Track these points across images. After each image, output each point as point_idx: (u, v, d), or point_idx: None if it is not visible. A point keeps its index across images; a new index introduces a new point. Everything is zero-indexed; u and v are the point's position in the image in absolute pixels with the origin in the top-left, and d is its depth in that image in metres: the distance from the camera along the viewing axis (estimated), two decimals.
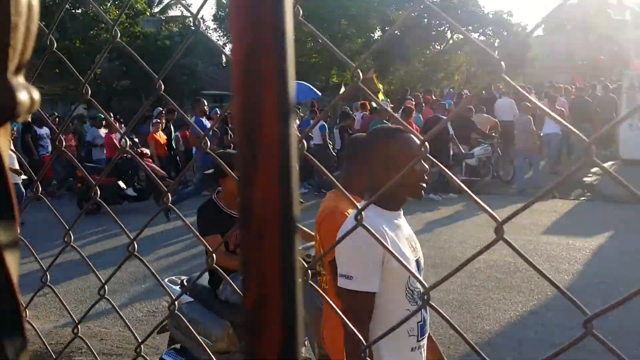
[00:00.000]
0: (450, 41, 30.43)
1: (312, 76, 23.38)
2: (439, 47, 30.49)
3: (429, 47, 29.76)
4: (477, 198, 0.80)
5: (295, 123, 0.40)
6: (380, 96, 16.22)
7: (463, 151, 10.98)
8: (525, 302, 5.43)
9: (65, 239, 1.19)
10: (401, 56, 26.98)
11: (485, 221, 8.01)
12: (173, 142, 12.65)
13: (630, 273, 5.89)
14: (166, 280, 3.92)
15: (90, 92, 1.17)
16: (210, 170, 3.68)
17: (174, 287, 3.84)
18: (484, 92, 14.32)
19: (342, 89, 21.06)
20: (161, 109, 12.62)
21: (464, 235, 7.86)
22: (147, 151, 11.15)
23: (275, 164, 0.38)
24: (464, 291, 5.72)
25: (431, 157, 0.83)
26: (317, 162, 0.90)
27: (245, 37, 0.38)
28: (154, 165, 10.71)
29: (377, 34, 28.05)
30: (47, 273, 1.32)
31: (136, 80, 20.32)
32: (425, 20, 28.13)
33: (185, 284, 3.78)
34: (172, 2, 28.08)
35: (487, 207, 0.77)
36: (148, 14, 24.05)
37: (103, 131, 12.31)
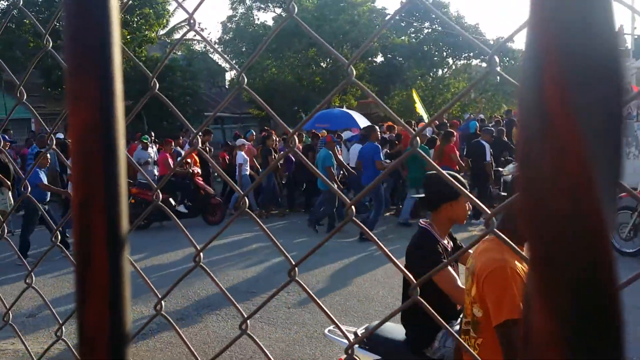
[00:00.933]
0: (453, 67, 30.70)
1: (313, 99, 23.52)
2: (440, 73, 30.73)
3: (429, 73, 29.99)
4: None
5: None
6: (423, 113, 16.36)
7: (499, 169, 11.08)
8: None
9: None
10: (401, 80, 27.18)
11: None
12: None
13: None
14: (326, 331, 3.50)
15: None
16: (420, 195, 3.12)
17: (337, 338, 3.37)
18: (503, 116, 14.60)
19: None
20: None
21: None
22: (198, 170, 11.43)
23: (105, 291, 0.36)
24: None
25: (424, 155, 0.82)
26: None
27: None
28: (204, 184, 11.09)
29: (379, 58, 28.30)
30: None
31: (138, 100, 20.44)
32: (426, 47, 28.42)
33: (359, 333, 3.05)
34: (178, 25, 28.34)
35: (401, 267, 0.77)
36: (155, 41, 24.28)
37: (150, 151, 12.53)
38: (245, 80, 0.93)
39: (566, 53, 0.27)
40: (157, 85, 1.05)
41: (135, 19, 23.35)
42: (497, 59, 0.73)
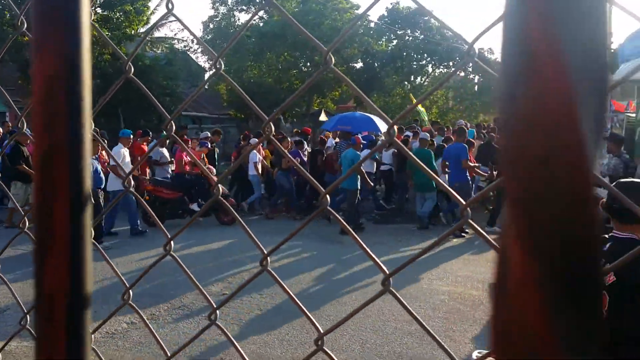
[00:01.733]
0: (432, 75, 30.94)
1: (294, 102, 23.50)
2: (418, 80, 30.94)
3: (408, 80, 30.18)
4: (376, 258, 0.79)
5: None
6: (424, 116, 16.59)
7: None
8: (486, 335, 5.43)
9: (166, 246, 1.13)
10: (380, 87, 27.32)
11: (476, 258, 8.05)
12: (216, 160, 13.53)
13: None
14: (474, 356, 3.31)
15: None
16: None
17: None
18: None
19: (322, 116, 21.18)
20: (208, 132, 13.72)
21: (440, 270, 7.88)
22: (213, 169, 11.67)
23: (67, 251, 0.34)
24: (427, 322, 5.72)
25: (400, 144, 0.82)
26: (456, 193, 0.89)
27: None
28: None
29: (359, 64, 28.40)
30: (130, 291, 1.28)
31: (115, 99, 20.30)
32: (405, 53, 28.60)
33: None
34: (159, 23, 28.09)
35: (378, 260, 0.77)
36: (135, 38, 24.03)
37: (165, 150, 12.27)
38: (223, 65, 0.92)
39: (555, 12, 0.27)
40: (132, 68, 1.04)
41: (116, 16, 23.11)
42: (475, 50, 0.73)
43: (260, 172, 11.98)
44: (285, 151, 0.98)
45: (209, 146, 12.37)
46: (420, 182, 10.28)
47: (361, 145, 11.10)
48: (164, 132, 1.01)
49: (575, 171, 0.27)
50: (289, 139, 12.70)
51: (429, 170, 0.89)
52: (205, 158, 11.78)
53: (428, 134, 11.48)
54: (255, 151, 11.81)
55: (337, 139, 13.94)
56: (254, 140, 12.54)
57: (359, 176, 10.36)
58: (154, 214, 1.08)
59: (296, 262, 8.05)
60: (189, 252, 8.49)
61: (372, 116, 15.41)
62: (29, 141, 9.98)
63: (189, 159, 11.27)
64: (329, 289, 6.75)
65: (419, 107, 16.47)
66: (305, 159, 12.23)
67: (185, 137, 12.88)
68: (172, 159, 11.85)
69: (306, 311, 0.87)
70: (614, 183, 2.89)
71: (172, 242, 1.02)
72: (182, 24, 1.01)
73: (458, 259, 8.18)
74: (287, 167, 11.63)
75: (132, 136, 11.19)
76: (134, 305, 1.10)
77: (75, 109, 0.32)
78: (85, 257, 0.34)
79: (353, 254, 8.05)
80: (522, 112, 0.27)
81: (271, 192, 12.48)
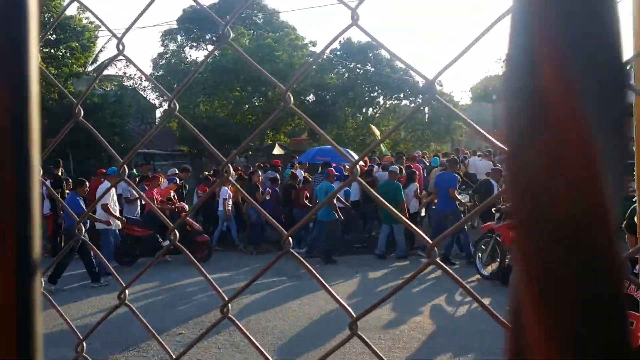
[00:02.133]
0: (383, 107, 31.47)
1: (246, 136, 23.46)
2: (371, 112, 31.42)
3: (360, 112, 30.61)
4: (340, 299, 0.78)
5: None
6: (383, 148, 16.94)
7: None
8: None
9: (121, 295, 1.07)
10: (333, 119, 27.59)
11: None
12: (193, 197, 13.52)
13: None
14: None
15: None
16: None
17: None
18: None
19: (276, 149, 21.20)
20: (176, 169, 13.77)
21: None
22: (185, 206, 11.46)
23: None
24: (388, 353, 5.71)
25: (363, 182, 0.80)
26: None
27: None
28: (191, 220, 10.96)
29: (311, 97, 28.68)
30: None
31: (64, 140, 19.90)
32: (357, 86, 29.05)
33: None
34: (107, 62, 27.80)
35: (343, 303, 0.76)
36: (82, 76, 23.68)
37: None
38: (177, 106, 0.89)
39: (563, 29, 0.24)
40: (82, 111, 1.00)
41: (61, 53, 22.78)
42: (437, 87, 0.73)
43: (229, 209, 11.88)
44: (245, 192, 0.95)
45: (178, 182, 12.27)
46: (387, 213, 10.39)
47: (334, 177, 11.29)
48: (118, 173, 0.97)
49: (600, 240, 0.25)
50: (259, 173, 12.61)
51: (389, 206, 0.87)
52: (174, 195, 11.63)
53: (397, 167, 11.68)
54: (225, 187, 11.75)
55: (305, 172, 13.91)
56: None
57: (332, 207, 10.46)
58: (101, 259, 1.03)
59: (264, 297, 7.92)
60: (155, 290, 8.26)
61: (350, 150, 15.71)
62: None
63: (160, 197, 11.17)
64: (295, 324, 6.65)
65: (377, 136, 16.83)
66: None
67: (155, 174, 12.69)
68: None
69: (265, 353, 0.83)
70: None
71: (126, 291, 0.98)
72: (134, 65, 0.98)
73: (417, 289, 8.21)
74: (260, 200, 11.64)
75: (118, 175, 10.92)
76: (88, 357, 1.04)
77: (23, 161, 0.29)
78: (35, 333, 0.30)
79: (319, 290, 7.98)
80: (535, 172, 0.25)
81: (243, 227, 12.40)
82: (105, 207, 9.44)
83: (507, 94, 0.27)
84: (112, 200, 9.70)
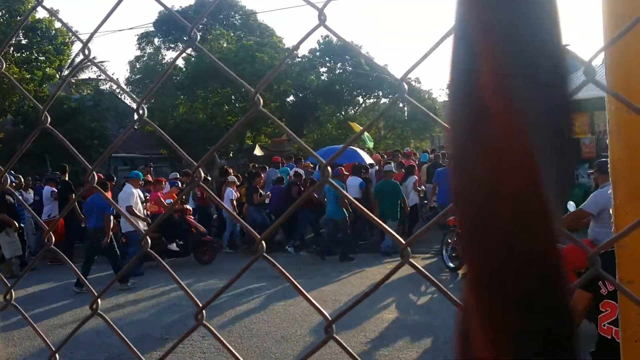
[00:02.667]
0: (363, 105, 31.54)
1: (230, 138, 23.33)
2: (351, 112, 31.46)
3: (340, 111, 30.65)
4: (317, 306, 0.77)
5: None
6: (370, 144, 17.01)
7: None
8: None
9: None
10: (314, 119, 27.60)
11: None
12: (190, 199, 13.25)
13: None
14: None
15: None
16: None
17: None
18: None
19: (257, 150, 21.13)
20: (177, 173, 13.94)
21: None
22: (190, 208, 11.43)
23: None
24: (374, 351, 5.73)
25: (334, 184, 0.80)
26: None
27: None
28: (195, 222, 10.94)
29: (291, 98, 28.65)
30: None
31: (41, 143, 19.73)
32: (337, 87, 29.09)
33: None
34: (85, 64, 27.56)
35: (318, 306, 0.76)
36: (56, 78, 23.42)
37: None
38: (146, 112, 0.88)
39: (505, 37, 0.24)
40: (49, 118, 0.98)
41: (34, 56, 22.52)
42: (405, 86, 0.72)
43: (235, 209, 11.90)
44: (216, 197, 0.94)
45: (180, 186, 12.21)
46: (383, 212, 10.45)
47: (346, 176, 11.28)
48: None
49: (541, 245, 0.25)
50: (262, 176, 12.57)
51: (364, 208, 0.87)
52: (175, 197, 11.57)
53: (392, 166, 11.78)
54: (231, 189, 11.86)
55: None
56: (232, 178, 12.39)
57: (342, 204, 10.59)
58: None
59: (249, 299, 7.88)
60: (143, 296, 8.19)
61: (356, 148, 15.80)
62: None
63: (163, 200, 11.08)
64: (280, 325, 6.64)
65: (365, 134, 16.85)
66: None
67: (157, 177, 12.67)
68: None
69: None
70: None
71: (98, 300, 0.96)
72: (102, 70, 0.97)
73: (400, 287, 8.23)
74: (257, 202, 11.77)
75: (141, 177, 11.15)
76: None
77: None
78: None
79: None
80: (478, 180, 0.25)
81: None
82: (130, 210, 9.39)
83: (450, 99, 0.27)
84: (137, 203, 9.73)
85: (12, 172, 11.49)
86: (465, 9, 0.26)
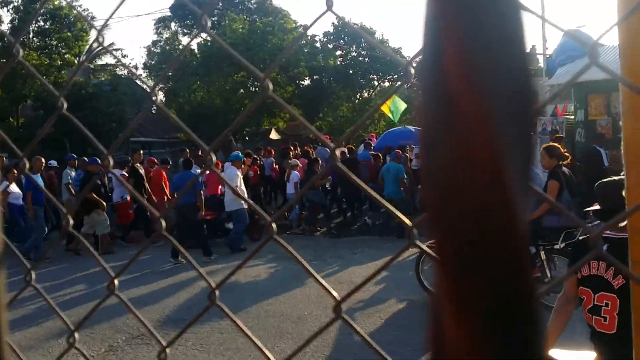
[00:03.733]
0: (378, 88, 31.34)
1: (243, 122, 23.39)
2: (366, 95, 31.30)
3: (355, 94, 30.50)
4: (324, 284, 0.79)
5: None
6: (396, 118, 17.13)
7: None
8: None
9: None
10: (329, 102, 27.50)
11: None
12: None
13: None
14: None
15: None
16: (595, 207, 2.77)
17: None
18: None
19: (273, 134, 21.15)
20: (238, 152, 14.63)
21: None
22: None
23: None
24: (388, 332, 5.77)
25: (344, 168, 0.81)
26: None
27: None
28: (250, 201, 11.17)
29: (307, 81, 28.55)
30: None
31: (60, 129, 19.95)
32: (352, 70, 28.93)
33: None
34: (102, 51, 27.72)
35: (328, 286, 0.77)
36: (76, 64, 23.56)
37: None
38: (159, 98, 0.89)
39: (467, 27, 0.25)
40: (65, 104, 1.00)
41: (54, 43, 22.67)
42: (412, 70, 0.73)
43: (297, 191, 12.33)
44: (227, 181, 0.96)
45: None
46: (387, 194, 10.85)
47: (402, 157, 11.84)
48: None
49: (506, 228, 0.26)
50: (320, 161, 12.51)
51: (362, 183, 0.88)
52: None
53: (399, 150, 12.07)
54: (296, 171, 12.20)
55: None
56: (294, 161, 12.74)
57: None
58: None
59: (265, 281, 7.96)
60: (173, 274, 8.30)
61: (411, 127, 16.19)
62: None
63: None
64: (296, 306, 6.70)
65: (394, 108, 16.81)
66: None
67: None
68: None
69: (258, 342, 0.84)
70: (598, 184, 2.90)
71: (115, 281, 0.99)
72: (115, 57, 0.98)
73: (412, 267, 8.24)
74: (319, 185, 12.31)
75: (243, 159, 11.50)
76: (80, 349, 1.05)
77: None
78: None
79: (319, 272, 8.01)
80: (444, 163, 0.26)
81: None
82: (234, 190, 9.73)
83: (419, 94, 0.28)
84: (241, 183, 10.32)
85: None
86: (433, 6, 0.27)
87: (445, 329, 0.28)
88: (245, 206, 10.11)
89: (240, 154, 11.33)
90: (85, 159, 12.43)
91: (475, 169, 0.26)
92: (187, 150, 12.99)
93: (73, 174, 12.32)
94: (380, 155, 13.09)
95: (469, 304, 0.27)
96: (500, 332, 0.27)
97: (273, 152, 15.20)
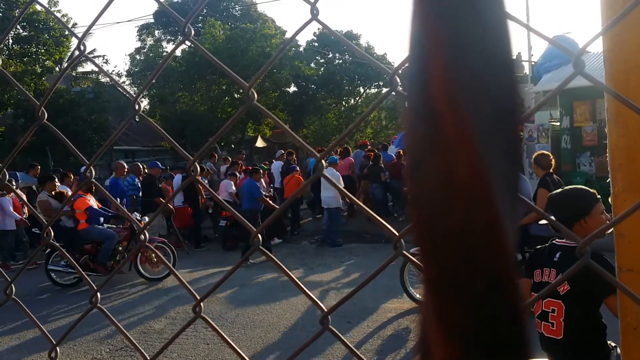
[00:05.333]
0: (364, 96, 31.45)
1: (228, 129, 23.31)
2: (352, 102, 31.39)
3: (341, 102, 30.58)
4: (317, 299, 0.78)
5: None
6: None
7: None
8: None
9: None
10: (315, 109, 27.54)
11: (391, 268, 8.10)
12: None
13: None
14: None
15: None
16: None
17: None
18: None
19: (259, 142, 21.14)
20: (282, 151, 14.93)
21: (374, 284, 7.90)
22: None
23: None
24: (377, 340, 5.76)
25: (328, 177, 0.80)
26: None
27: None
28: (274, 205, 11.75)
29: (292, 88, 28.57)
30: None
31: (42, 136, 19.79)
32: (338, 77, 29.00)
33: None
34: (83, 59, 27.56)
35: (315, 299, 0.76)
36: (56, 70, 23.39)
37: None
38: (141, 107, 0.88)
39: (453, 49, 0.25)
40: (46, 114, 0.98)
41: (33, 49, 22.50)
42: (397, 79, 0.73)
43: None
44: (212, 191, 0.95)
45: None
46: None
47: None
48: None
49: (491, 248, 0.26)
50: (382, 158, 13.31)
51: (346, 192, 0.87)
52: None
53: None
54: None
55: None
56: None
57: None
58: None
59: (251, 291, 7.92)
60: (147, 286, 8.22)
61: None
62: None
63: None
64: (282, 316, 6.66)
65: None
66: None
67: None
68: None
69: (242, 354, 0.83)
70: (549, 196, 2.97)
71: (98, 294, 0.97)
72: (97, 66, 0.97)
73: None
74: (384, 180, 12.73)
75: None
76: None
77: None
78: None
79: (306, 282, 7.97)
80: (430, 184, 0.26)
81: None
82: (342, 190, 10.80)
83: (406, 110, 0.28)
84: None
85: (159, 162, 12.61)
86: (418, 22, 0.27)
87: (432, 348, 0.28)
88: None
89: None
90: (141, 164, 12.45)
91: (460, 189, 0.26)
92: (239, 156, 13.31)
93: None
94: (401, 152, 13.36)
95: (454, 325, 0.27)
96: (485, 353, 0.27)
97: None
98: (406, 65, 0.28)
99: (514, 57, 0.26)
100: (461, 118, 0.25)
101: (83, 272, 1.00)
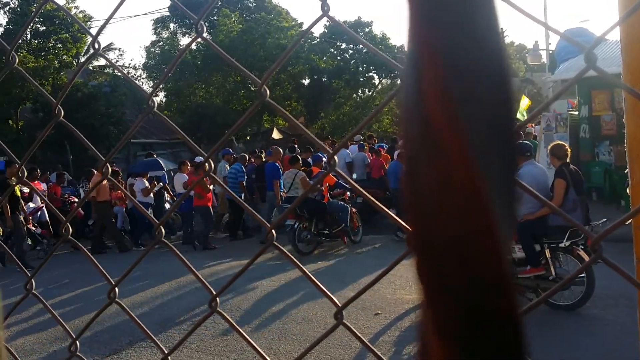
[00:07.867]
0: (379, 86, 31.30)
1: (245, 122, 23.36)
2: (368, 92, 31.26)
3: (357, 92, 30.45)
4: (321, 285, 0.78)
5: None
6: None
7: None
8: None
9: None
10: (330, 101, 27.48)
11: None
12: None
13: None
14: None
15: None
16: None
17: None
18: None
19: (275, 133, 21.17)
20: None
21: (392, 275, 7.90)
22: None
23: None
24: (395, 332, 5.76)
25: (341, 173, 0.81)
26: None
27: None
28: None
29: (307, 81, 28.53)
30: None
31: (61, 130, 19.99)
32: (352, 68, 28.88)
33: None
34: (83, 63, 27.65)
35: (328, 293, 0.77)
36: (74, 66, 23.55)
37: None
38: (156, 104, 0.89)
39: (446, 54, 0.25)
40: (62, 112, 1.00)
41: (51, 44, 22.68)
42: None
43: None
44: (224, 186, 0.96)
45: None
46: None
47: None
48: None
49: (487, 253, 0.26)
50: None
51: (356, 185, 0.87)
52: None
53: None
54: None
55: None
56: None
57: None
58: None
59: (270, 282, 7.96)
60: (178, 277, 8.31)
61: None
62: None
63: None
64: (298, 309, 6.70)
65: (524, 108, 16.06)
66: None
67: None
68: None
69: (259, 349, 0.84)
70: None
71: (116, 289, 0.98)
72: (111, 63, 0.98)
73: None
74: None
75: None
76: (83, 357, 1.05)
77: None
78: None
79: (319, 274, 8.00)
80: (426, 189, 0.26)
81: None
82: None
83: (402, 114, 0.28)
84: None
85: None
86: (414, 32, 0.27)
87: (431, 351, 0.28)
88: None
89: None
90: (245, 154, 13.59)
91: (454, 195, 0.26)
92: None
93: (228, 167, 12.62)
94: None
95: (450, 329, 0.27)
96: (482, 358, 0.27)
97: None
98: (404, 72, 0.28)
99: (509, 60, 0.26)
100: (456, 124, 0.25)
101: (100, 267, 1.02)
